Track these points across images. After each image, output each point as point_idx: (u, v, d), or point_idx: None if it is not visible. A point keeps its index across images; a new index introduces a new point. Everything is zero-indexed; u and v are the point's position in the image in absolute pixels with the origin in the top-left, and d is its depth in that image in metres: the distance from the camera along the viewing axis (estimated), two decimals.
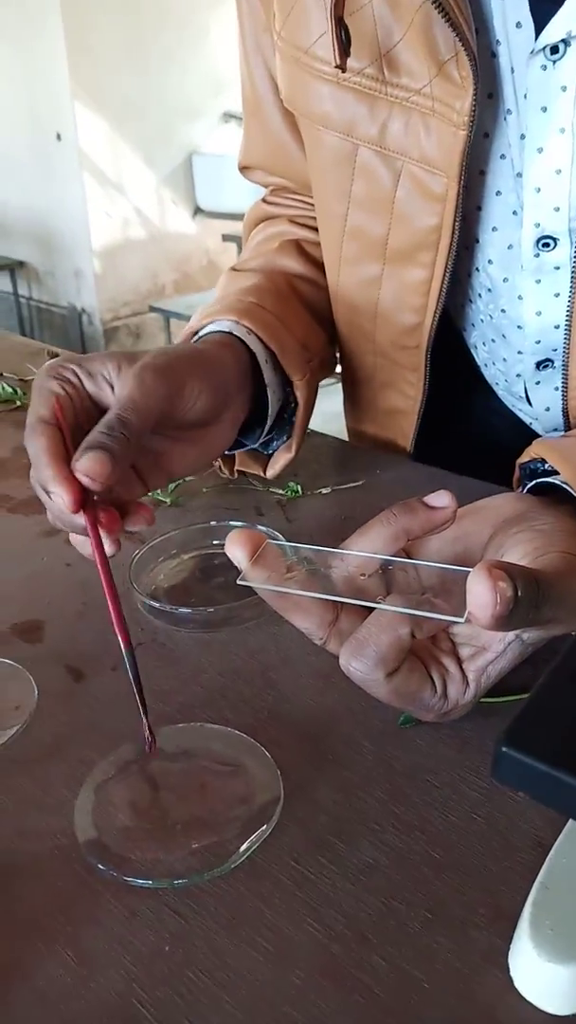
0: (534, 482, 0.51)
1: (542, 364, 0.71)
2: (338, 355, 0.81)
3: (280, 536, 0.60)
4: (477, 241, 0.67)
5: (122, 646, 0.46)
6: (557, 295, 0.65)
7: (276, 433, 0.70)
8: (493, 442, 0.73)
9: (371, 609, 0.41)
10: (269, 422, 0.68)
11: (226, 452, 0.69)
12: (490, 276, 0.68)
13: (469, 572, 0.37)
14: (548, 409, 0.74)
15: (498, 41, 0.58)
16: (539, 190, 0.61)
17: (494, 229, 0.65)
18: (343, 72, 0.60)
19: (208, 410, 0.58)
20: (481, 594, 0.36)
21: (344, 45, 0.58)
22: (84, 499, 0.48)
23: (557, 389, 0.71)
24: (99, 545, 0.49)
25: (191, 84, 4.24)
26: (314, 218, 0.75)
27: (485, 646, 0.43)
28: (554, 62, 0.56)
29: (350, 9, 0.59)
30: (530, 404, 0.75)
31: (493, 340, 0.74)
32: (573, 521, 0.46)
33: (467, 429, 0.84)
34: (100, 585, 0.47)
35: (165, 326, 4.18)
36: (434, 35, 0.57)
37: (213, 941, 0.37)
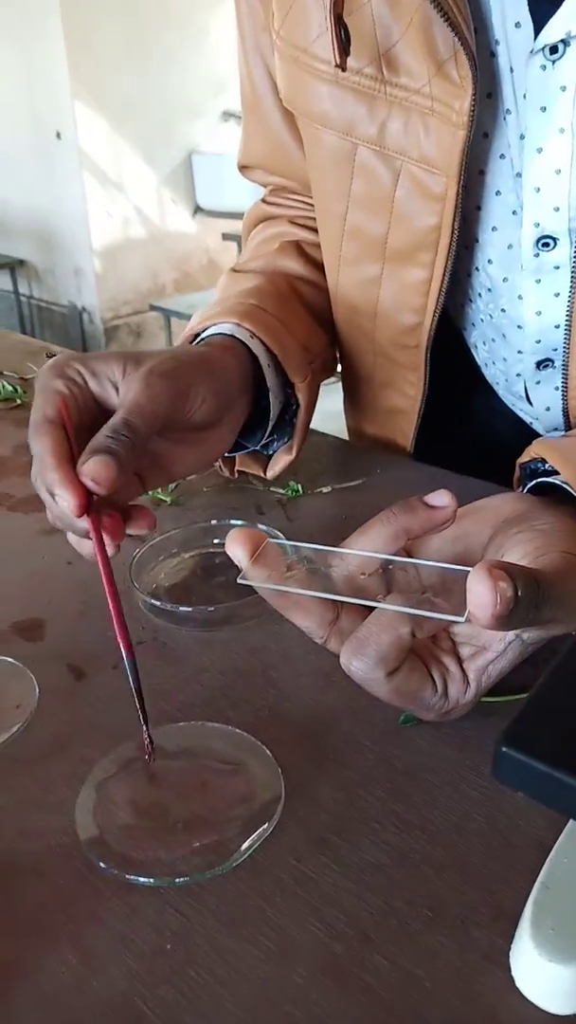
0: (534, 482, 0.51)
1: (542, 364, 0.71)
2: (338, 355, 0.81)
3: (280, 535, 0.60)
4: (477, 241, 0.67)
5: (124, 656, 0.45)
6: (557, 295, 0.65)
7: (277, 434, 0.70)
8: (493, 442, 0.73)
9: (371, 608, 0.41)
10: (270, 426, 0.68)
11: (226, 454, 0.69)
12: (490, 276, 0.68)
13: (469, 572, 0.37)
14: (548, 409, 0.74)
15: (497, 41, 0.58)
16: (539, 190, 0.61)
17: (494, 229, 0.65)
18: (342, 71, 0.60)
19: (211, 414, 0.58)
20: (481, 594, 0.36)
21: (343, 44, 0.58)
22: (88, 502, 0.48)
23: (557, 389, 0.71)
24: (102, 550, 0.48)
25: (191, 83, 4.24)
26: (314, 219, 0.75)
27: (485, 646, 0.43)
28: (553, 62, 0.56)
29: (349, 8, 0.59)
30: (530, 404, 0.75)
31: (493, 340, 0.74)
32: (573, 521, 0.46)
33: (467, 429, 0.84)
34: (101, 583, 0.47)
35: (165, 325, 4.18)
36: (433, 35, 0.57)
37: (215, 939, 0.37)
